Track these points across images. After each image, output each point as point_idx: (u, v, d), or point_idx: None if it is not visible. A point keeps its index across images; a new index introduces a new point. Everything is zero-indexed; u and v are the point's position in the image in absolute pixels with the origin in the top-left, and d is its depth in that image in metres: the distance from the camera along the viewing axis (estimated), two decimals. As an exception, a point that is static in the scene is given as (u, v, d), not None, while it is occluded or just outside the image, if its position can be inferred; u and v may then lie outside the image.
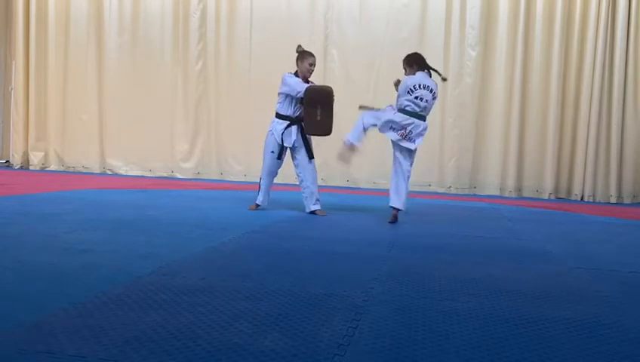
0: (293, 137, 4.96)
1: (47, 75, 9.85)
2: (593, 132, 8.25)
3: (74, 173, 9.52)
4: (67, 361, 1.52)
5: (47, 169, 9.87)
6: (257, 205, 5.15)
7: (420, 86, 4.51)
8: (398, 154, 4.70)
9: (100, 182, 7.90)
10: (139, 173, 9.51)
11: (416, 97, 4.50)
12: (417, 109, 4.54)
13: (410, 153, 4.71)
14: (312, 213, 5.05)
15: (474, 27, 8.51)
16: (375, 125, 4.68)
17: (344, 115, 8.91)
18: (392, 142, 4.66)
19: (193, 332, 1.77)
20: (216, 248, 3.26)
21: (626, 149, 8.30)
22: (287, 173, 8.82)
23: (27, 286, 2.26)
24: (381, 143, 8.54)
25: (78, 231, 3.66)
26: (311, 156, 5.07)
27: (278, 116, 5.00)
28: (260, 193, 5.16)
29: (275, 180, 5.24)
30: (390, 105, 4.71)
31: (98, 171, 9.68)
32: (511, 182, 8.49)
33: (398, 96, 4.64)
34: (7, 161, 10.21)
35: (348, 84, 8.88)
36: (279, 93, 4.98)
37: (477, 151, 8.62)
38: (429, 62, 4.68)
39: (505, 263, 3.21)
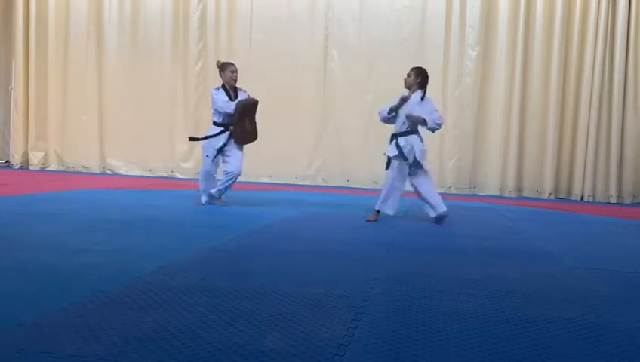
0: (221, 141, 5.31)
1: (47, 75, 9.86)
2: (593, 132, 8.25)
3: (74, 173, 9.52)
4: (67, 361, 1.52)
5: (47, 169, 9.87)
6: (202, 203, 5.42)
7: None
8: (415, 173, 4.82)
9: (100, 182, 7.90)
10: (139, 173, 9.51)
11: None
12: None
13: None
14: (210, 196, 5.36)
15: (474, 27, 8.51)
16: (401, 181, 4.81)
17: (344, 114, 8.95)
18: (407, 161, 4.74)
19: (193, 332, 1.77)
20: (217, 248, 3.25)
21: (626, 149, 8.31)
22: (278, 173, 8.86)
23: (27, 286, 2.26)
24: (381, 143, 8.56)
25: (78, 231, 3.66)
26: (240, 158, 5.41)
27: (215, 124, 5.41)
28: (202, 193, 5.43)
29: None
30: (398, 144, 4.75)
31: (98, 171, 9.68)
32: (511, 182, 8.50)
33: (432, 109, 4.70)
34: (7, 161, 10.21)
35: (348, 84, 8.89)
36: (213, 108, 5.41)
37: (477, 151, 8.62)
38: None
39: (505, 263, 3.21)
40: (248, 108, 5.31)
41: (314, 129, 9.01)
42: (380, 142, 8.39)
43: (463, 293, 2.42)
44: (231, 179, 5.34)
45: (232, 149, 5.34)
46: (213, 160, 5.37)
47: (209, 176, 5.43)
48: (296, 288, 2.37)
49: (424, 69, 4.84)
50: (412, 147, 4.66)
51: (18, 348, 1.59)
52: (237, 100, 5.30)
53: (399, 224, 4.69)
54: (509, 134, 8.47)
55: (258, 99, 5.38)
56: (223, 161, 5.41)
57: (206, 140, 5.41)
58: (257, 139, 5.42)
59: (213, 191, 5.36)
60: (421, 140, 4.75)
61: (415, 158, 4.66)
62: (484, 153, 8.63)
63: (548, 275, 2.91)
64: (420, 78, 4.76)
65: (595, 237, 4.67)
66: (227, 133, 5.32)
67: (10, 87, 10.06)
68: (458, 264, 3.10)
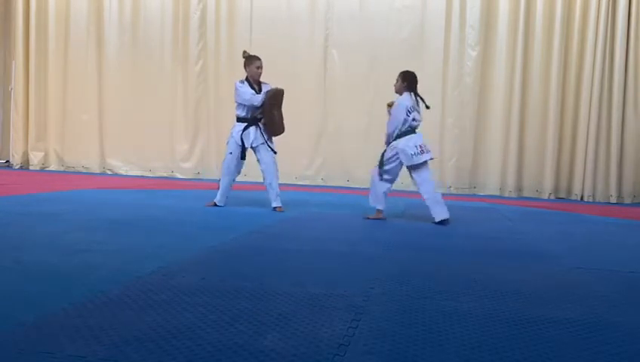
0: (252, 137, 5.12)
1: (47, 75, 9.86)
2: (593, 132, 8.25)
3: (74, 173, 9.52)
4: (67, 361, 1.52)
5: (47, 169, 9.87)
6: (215, 203, 5.28)
7: (412, 109, 4.77)
8: (416, 176, 4.81)
9: (100, 182, 7.90)
10: (139, 173, 9.51)
11: (413, 119, 4.77)
12: (412, 126, 4.81)
13: (426, 165, 4.83)
14: (274, 209, 5.14)
15: (474, 27, 8.51)
16: (388, 182, 4.93)
17: (344, 114, 8.95)
18: (408, 168, 4.83)
19: (193, 332, 1.76)
20: (217, 248, 3.25)
21: (626, 149, 8.31)
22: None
23: (27, 286, 2.26)
24: (380, 143, 8.55)
25: (78, 231, 3.66)
26: (273, 151, 5.20)
27: (238, 120, 5.19)
28: (218, 192, 5.31)
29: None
30: (389, 148, 4.89)
31: (98, 171, 9.68)
32: (511, 182, 8.50)
33: (394, 117, 4.78)
34: (7, 161, 10.21)
35: (348, 84, 8.89)
36: (236, 102, 5.15)
37: (477, 151, 8.63)
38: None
39: (505, 263, 3.21)
40: (277, 97, 5.12)
41: (314, 129, 9.01)
42: (379, 142, 8.43)
43: (463, 293, 2.41)
44: (270, 173, 5.12)
45: (260, 145, 5.12)
46: (237, 158, 5.18)
47: (229, 172, 5.24)
48: (296, 288, 2.37)
49: (409, 72, 4.84)
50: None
51: (18, 348, 1.59)
52: (264, 92, 5.12)
53: (399, 224, 4.70)
54: (509, 134, 8.47)
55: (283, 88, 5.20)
56: (257, 159, 5.21)
57: (230, 137, 5.20)
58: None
59: (274, 203, 5.14)
60: (406, 141, 4.76)
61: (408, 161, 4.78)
62: (483, 153, 8.63)
63: (548, 275, 2.91)
64: (406, 82, 4.78)
65: (595, 237, 4.67)
66: (254, 127, 5.12)
67: (10, 87, 10.07)
68: (458, 264, 3.10)
